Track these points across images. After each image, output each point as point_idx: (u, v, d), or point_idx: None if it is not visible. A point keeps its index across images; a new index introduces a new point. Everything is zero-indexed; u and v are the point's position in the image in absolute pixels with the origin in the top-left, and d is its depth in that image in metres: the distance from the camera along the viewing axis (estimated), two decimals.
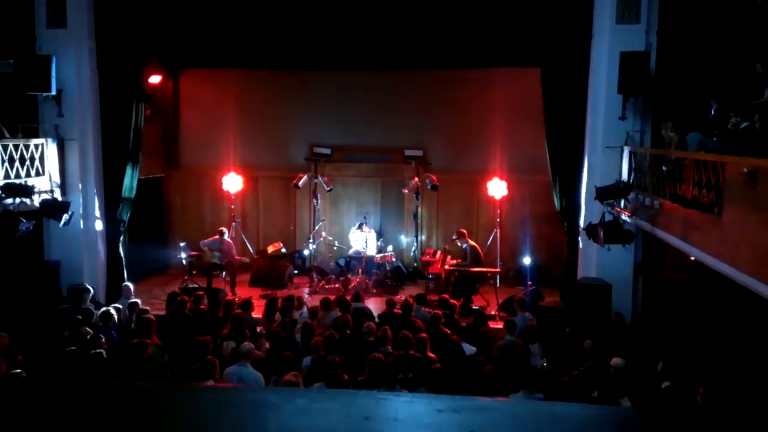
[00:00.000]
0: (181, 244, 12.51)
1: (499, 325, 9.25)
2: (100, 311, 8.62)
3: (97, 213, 11.23)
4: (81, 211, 10.82)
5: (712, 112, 7.57)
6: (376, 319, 8.89)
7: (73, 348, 6.87)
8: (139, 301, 9.39)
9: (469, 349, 7.68)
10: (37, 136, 10.54)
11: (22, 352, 7.06)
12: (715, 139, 7.45)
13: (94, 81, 11.00)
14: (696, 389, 5.78)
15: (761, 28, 9.35)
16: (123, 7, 10.82)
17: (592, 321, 8.77)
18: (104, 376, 6.60)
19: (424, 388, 6.42)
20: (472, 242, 11.75)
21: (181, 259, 12.43)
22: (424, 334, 7.44)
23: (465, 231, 11.82)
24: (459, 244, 11.71)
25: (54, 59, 10.47)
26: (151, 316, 8.01)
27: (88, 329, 7.71)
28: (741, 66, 9.58)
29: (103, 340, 7.32)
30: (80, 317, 8.22)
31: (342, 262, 12.99)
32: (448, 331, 8.14)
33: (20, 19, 10.57)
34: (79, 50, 10.76)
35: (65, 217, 9.64)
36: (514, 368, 6.86)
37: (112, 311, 8.53)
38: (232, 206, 13.36)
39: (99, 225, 11.28)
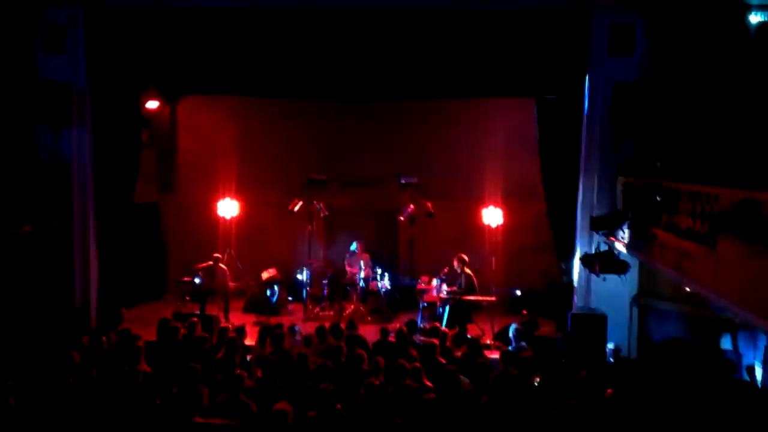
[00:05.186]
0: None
1: (495, 355, 9.18)
2: (91, 336, 8.54)
3: (92, 237, 11.18)
4: (75, 236, 10.78)
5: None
6: (370, 348, 8.81)
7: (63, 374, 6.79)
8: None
9: (463, 379, 7.60)
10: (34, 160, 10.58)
11: (13, 375, 6.96)
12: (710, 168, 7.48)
13: (93, 106, 11.03)
14: (691, 422, 5.73)
15: (755, 59, 9.50)
16: (122, 33, 10.89)
17: (588, 352, 8.72)
18: (92, 402, 6.50)
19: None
20: (468, 270, 11.71)
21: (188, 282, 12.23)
22: (417, 363, 7.38)
23: (466, 258, 11.80)
24: (458, 270, 11.68)
25: (53, 84, 10.52)
26: (141, 343, 7.92)
27: (78, 355, 7.60)
28: (734, 96, 9.72)
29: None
30: (69, 342, 8.13)
31: (336, 289, 12.93)
32: (444, 361, 8.07)
33: (20, 43, 10.65)
34: (78, 75, 10.81)
35: None
36: (509, 400, 6.79)
37: (104, 336, 8.44)
38: (227, 232, 13.32)
39: (93, 249, 11.21)
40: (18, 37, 10.60)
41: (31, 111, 10.56)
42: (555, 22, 10.22)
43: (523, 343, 9.07)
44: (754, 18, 9.40)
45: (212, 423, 6.13)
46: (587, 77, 10.23)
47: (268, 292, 12.59)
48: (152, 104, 12.55)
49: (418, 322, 10.86)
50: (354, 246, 13.07)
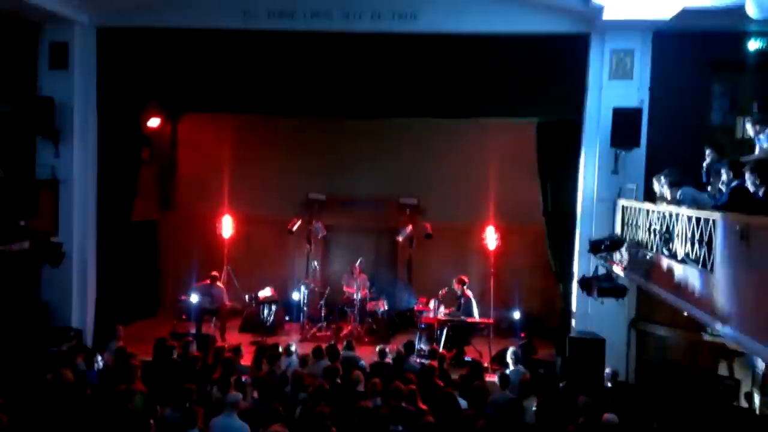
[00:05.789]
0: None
1: (492, 378, 9.13)
2: (86, 354, 8.49)
3: (90, 255, 11.17)
4: (74, 253, 10.77)
5: (707, 162, 7.61)
6: (367, 369, 8.76)
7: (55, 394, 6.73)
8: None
9: (462, 402, 7.55)
10: (33, 177, 10.61)
11: (5, 394, 6.90)
12: (707, 194, 7.50)
13: (93, 123, 11.10)
14: None
15: (752, 83, 9.59)
16: (124, 51, 11.00)
17: (586, 375, 8.67)
18: (85, 423, 6.45)
19: None
20: (467, 292, 11.69)
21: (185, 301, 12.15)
22: (413, 386, 7.33)
23: (466, 279, 11.78)
24: (457, 291, 11.66)
25: (54, 101, 10.61)
26: (136, 362, 7.87)
27: (71, 373, 7.55)
28: (732, 122, 9.78)
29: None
30: (64, 360, 8.08)
31: (334, 309, 12.88)
32: (442, 384, 8.01)
33: (22, 60, 10.73)
34: (80, 93, 10.90)
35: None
36: (507, 424, 6.74)
37: (98, 355, 8.40)
38: (225, 251, 13.30)
39: (91, 267, 11.19)
40: (19, 54, 10.68)
41: (30, 127, 10.61)
42: (555, 47, 10.31)
43: (522, 367, 9.02)
44: (753, 44, 9.49)
45: None
46: (587, 100, 10.29)
47: (265, 312, 12.54)
48: (153, 122, 12.61)
49: (416, 343, 10.80)
50: (352, 266, 13.02)
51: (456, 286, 11.71)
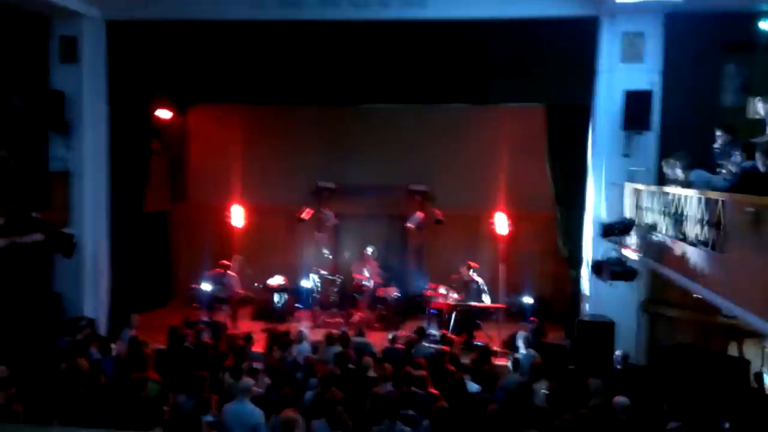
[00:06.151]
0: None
1: (503, 362, 9.15)
2: (99, 344, 8.59)
3: (103, 245, 11.27)
4: (87, 244, 10.87)
5: (718, 144, 7.52)
6: (378, 355, 8.81)
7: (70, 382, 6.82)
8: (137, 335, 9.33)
9: (473, 386, 7.58)
10: (45, 169, 10.69)
11: (19, 383, 7.00)
12: (720, 176, 7.44)
13: (104, 116, 11.16)
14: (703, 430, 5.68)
15: (766, 64, 9.45)
16: (134, 44, 11.04)
17: (596, 358, 8.67)
18: (99, 411, 6.53)
19: (427, 422, 6.33)
20: (477, 277, 11.70)
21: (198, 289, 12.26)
22: (424, 371, 7.37)
23: (475, 265, 11.78)
24: (465, 278, 11.67)
25: (65, 94, 10.68)
26: (149, 350, 7.96)
27: (86, 362, 7.65)
28: (743, 104, 9.65)
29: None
30: (79, 349, 8.18)
31: (345, 296, 12.94)
32: (453, 369, 8.05)
33: (33, 54, 10.79)
34: (91, 86, 10.96)
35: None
36: (518, 407, 6.76)
37: (111, 344, 8.49)
38: (237, 240, 13.37)
39: (104, 257, 11.30)
40: (30, 49, 10.74)
41: (42, 121, 10.68)
42: (565, 30, 10.20)
43: (532, 351, 9.03)
44: (764, 24, 9.35)
45: None
46: (597, 84, 10.20)
47: (276, 299, 12.62)
48: (164, 114, 12.67)
49: (427, 329, 10.83)
50: (363, 253, 13.06)
51: (464, 272, 11.72)
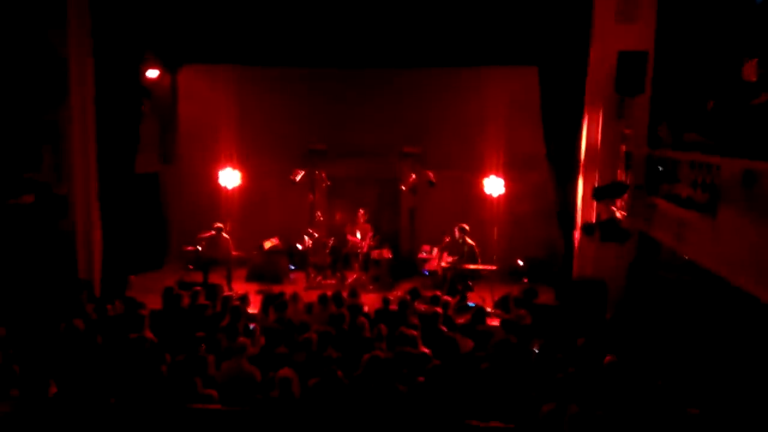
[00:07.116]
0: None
1: (495, 323, 9.28)
2: (96, 305, 8.63)
3: (93, 207, 11.21)
4: (77, 206, 10.82)
5: (713, 106, 7.53)
6: (372, 316, 8.91)
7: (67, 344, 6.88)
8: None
9: (466, 342, 7.70)
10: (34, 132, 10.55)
11: (17, 344, 7.06)
12: (712, 139, 7.46)
13: (91, 75, 10.96)
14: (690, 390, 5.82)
15: (760, 27, 9.38)
16: (121, 1, 10.78)
17: (587, 318, 8.81)
18: (97, 371, 6.60)
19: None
20: (470, 240, 11.78)
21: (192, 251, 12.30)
22: (416, 332, 7.48)
23: (467, 227, 11.85)
24: (459, 240, 11.74)
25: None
26: (145, 311, 8.01)
27: (83, 322, 7.70)
28: (739, 66, 9.62)
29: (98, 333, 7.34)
30: (76, 310, 8.22)
31: (338, 257, 13.01)
32: (446, 329, 8.16)
33: (18, 17, 10.53)
34: (75, 45, 10.73)
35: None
36: (510, 366, 6.89)
37: (108, 305, 8.53)
38: (229, 202, 13.34)
39: (95, 219, 11.26)
40: (16, 9, 10.47)
41: (29, 81, 10.49)
42: None
43: (524, 311, 9.15)
44: None
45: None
46: (591, 45, 10.12)
47: (271, 261, 12.68)
48: (152, 73, 12.47)
49: (420, 290, 10.93)
50: (356, 215, 13.11)
51: (457, 234, 11.79)
